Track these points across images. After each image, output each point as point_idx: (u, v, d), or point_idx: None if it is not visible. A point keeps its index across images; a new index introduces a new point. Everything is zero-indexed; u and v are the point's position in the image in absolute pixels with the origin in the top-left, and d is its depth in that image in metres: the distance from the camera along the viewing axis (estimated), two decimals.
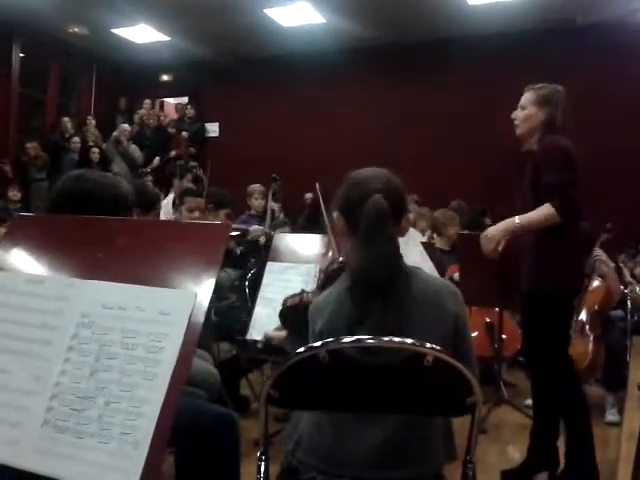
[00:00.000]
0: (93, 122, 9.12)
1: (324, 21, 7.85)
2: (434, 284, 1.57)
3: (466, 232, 4.19)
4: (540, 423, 2.76)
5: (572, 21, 7.40)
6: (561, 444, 2.70)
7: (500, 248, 2.57)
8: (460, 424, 1.50)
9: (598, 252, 3.86)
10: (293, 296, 1.89)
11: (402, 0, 7.13)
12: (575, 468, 2.62)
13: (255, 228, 4.10)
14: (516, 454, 3.03)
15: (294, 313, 1.85)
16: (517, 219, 2.55)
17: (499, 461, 2.93)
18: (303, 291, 1.90)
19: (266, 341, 2.20)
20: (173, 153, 8.84)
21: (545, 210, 2.48)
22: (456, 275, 3.94)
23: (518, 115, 2.73)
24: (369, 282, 1.45)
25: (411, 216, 4.28)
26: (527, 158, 2.69)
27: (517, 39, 7.60)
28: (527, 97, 2.71)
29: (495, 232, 2.58)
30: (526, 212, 2.56)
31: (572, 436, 2.62)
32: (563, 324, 2.69)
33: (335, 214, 1.65)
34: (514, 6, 7.10)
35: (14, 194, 7.34)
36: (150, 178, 7.91)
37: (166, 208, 4.63)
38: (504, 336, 3.86)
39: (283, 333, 1.89)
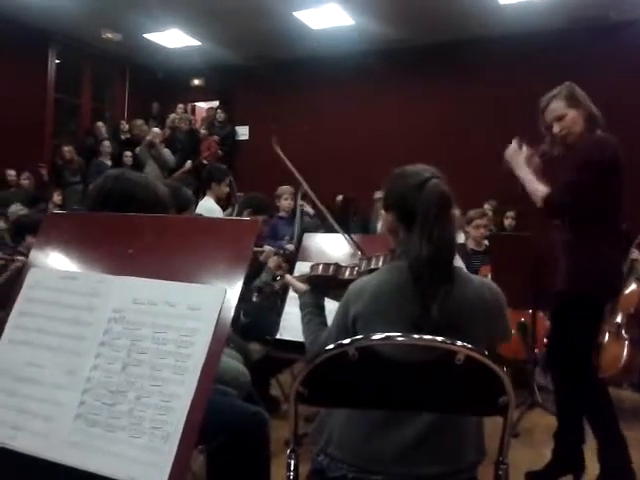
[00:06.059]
0: (127, 127, 9.27)
1: (353, 23, 7.85)
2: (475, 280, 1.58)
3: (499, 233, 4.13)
4: (564, 426, 2.73)
5: (605, 18, 7.26)
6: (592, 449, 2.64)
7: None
8: (492, 426, 1.47)
9: (635, 254, 3.77)
10: (327, 265, 1.84)
11: (431, 1, 7.09)
12: (610, 473, 2.57)
13: (269, 249, 3.55)
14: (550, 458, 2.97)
15: (322, 282, 1.82)
16: (524, 173, 2.59)
17: (532, 465, 2.87)
18: (338, 264, 1.84)
19: (280, 285, 2.13)
20: (205, 161, 8.81)
21: (542, 191, 2.50)
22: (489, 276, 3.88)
23: (564, 125, 2.54)
24: (439, 266, 1.44)
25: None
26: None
27: (549, 38, 7.47)
28: (557, 105, 2.56)
29: (509, 159, 2.67)
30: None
31: (602, 441, 2.56)
32: (592, 327, 2.64)
33: (381, 213, 1.64)
34: (545, 4, 7.00)
35: (59, 198, 7.47)
36: (192, 182, 7.90)
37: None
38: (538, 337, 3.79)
39: (302, 285, 1.86)
